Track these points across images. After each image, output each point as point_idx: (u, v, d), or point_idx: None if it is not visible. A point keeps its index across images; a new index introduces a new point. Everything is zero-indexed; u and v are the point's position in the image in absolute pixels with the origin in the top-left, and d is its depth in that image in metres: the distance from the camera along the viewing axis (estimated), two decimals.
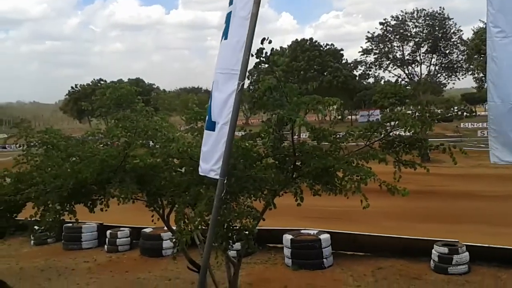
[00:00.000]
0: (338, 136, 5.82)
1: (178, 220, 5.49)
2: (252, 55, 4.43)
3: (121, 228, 13.36)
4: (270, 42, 4.49)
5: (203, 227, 4.92)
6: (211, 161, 4.41)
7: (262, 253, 11.18)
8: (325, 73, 59.41)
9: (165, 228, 10.05)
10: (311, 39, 63.63)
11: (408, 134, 5.97)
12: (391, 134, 5.93)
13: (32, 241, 13.98)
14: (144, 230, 12.66)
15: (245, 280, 9.52)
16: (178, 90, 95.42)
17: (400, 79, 55.26)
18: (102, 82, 70.03)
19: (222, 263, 6.95)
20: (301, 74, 56.89)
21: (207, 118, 4.65)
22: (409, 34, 51.25)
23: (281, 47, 63.23)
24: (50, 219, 5.62)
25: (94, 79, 79.41)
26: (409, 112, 6.50)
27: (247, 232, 5.37)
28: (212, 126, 4.45)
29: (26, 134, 6.19)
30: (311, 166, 5.15)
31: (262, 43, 4.41)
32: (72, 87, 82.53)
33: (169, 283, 10.15)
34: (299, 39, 64.08)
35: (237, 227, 5.02)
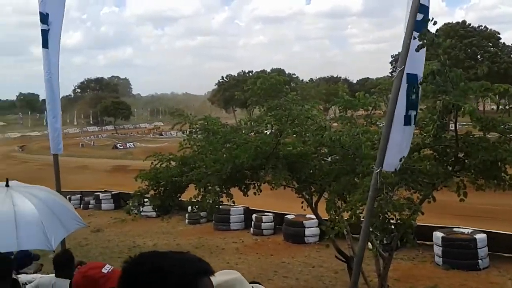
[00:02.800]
0: (509, 126, 5.20)
1: (329, 209, 5.48)
2: (415, 38, 4.16)
3: (265, 213, 13.88)
4: (435, 23, 4.17)
5: (359, 218, 4.81)
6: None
7: (409, 249, 10.61)
8: (480, 58, 53.91)
9: (307, 216, 10.19)
10: (463, 22, 58.29)
11: None
12: None
13: (187, 220, 15.33)
14: (287, 216, 12.97)
15: (392, 275, 9.13)
16: (318, 79, 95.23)
17: None
18: (250, 73, 73.15)
19: (369, 256, 6.75)
20: (460, 62, 52.32)
21: None
22: None
23: (428, 31, 59.23)
24: (211, 201, 6.06)
25: (242, 71, 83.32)
26: None
27: (401, 224, 5.10)
28: None
29: (190, 122, 6.73)
30: (478, 158, 4.68)
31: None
32: (222, 77, 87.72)
33: (313, 270, 10.26)
34: (449, 23, 59.24)
35: (394, 220, 4.80)
